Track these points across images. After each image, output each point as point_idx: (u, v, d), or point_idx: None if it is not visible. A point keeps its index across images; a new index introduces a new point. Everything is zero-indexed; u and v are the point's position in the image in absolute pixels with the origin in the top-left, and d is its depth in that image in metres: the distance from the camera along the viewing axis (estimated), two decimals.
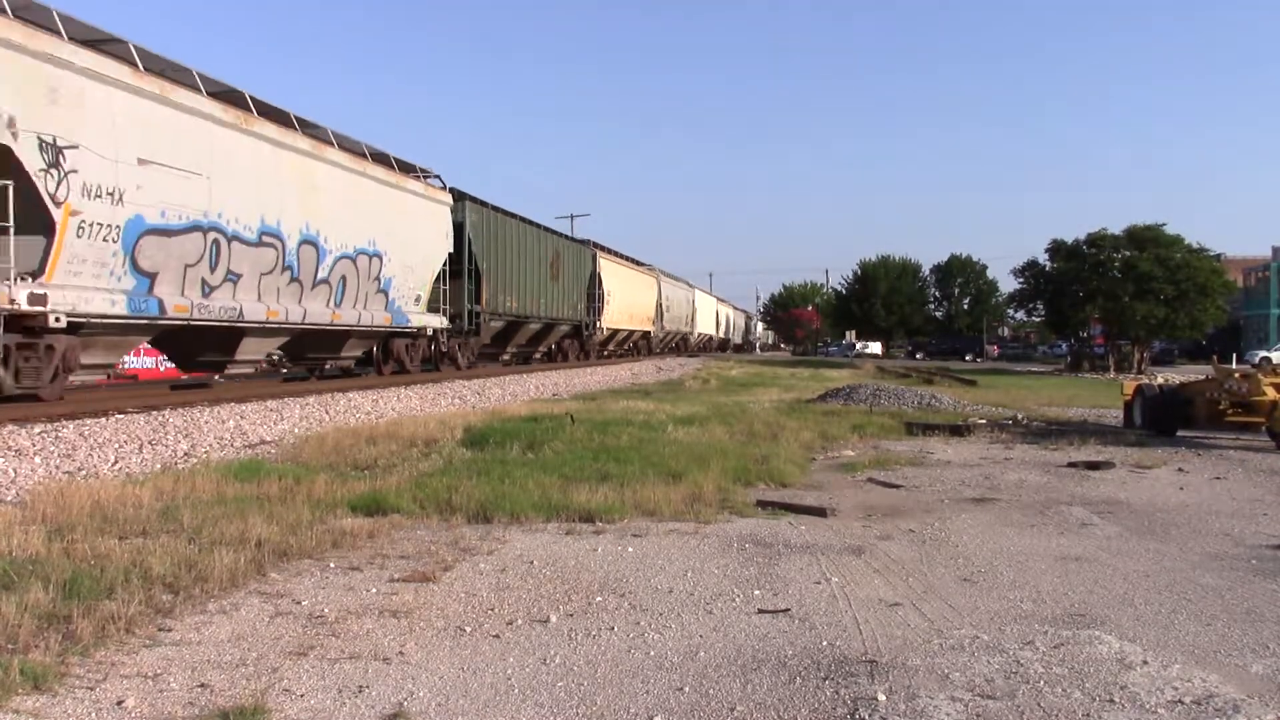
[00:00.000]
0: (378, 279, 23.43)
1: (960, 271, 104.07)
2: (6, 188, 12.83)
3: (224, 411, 15.36)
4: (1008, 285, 78.98)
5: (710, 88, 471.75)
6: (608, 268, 47.24)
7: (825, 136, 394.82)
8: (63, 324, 13.74)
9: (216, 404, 16.30)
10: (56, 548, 6.60)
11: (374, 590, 6.17)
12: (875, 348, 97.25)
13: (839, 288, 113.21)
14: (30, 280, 13.30)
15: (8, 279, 12.86)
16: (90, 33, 15.16)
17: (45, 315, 13.39)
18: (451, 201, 27.91)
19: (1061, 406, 23.46)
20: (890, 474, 11.69)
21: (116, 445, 11.78)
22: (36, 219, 13.28)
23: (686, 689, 4.58)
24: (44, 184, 13.24)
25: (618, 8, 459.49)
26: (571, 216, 66.75)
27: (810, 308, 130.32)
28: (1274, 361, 47.37)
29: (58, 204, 13.51)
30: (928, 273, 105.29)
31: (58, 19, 14.34)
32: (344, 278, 21.85)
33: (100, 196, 14.27)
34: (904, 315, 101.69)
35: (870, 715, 4.26)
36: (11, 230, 12.85)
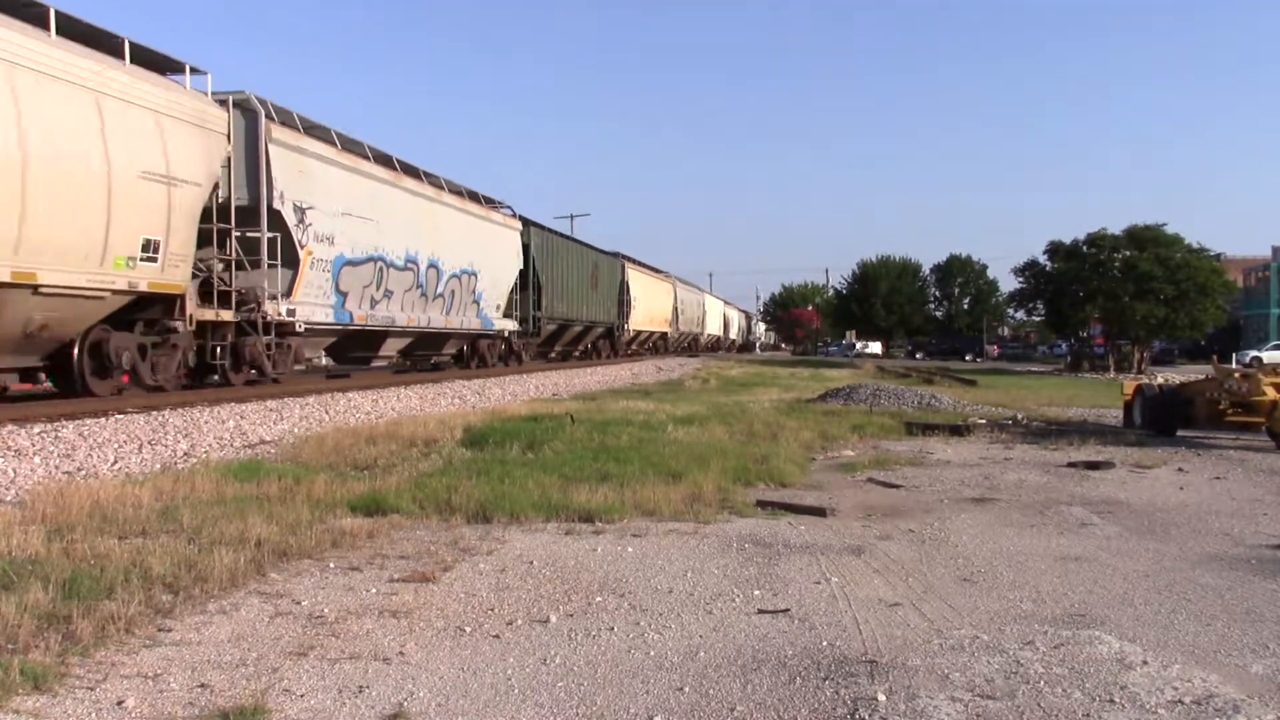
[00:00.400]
0: (473, 292, 30.21)
1: (960, 271, 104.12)
2: (277, 238, 19.28)
3: (224, 411, 15.37)
4: (1008, 285, 79.03)
5: (710, 87, 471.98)
6: (634, 277, 53.12)
7: (825, 136, 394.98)
8: (303, 330, 20.50)
9: (216, 404, 16.31)
10: (56, 548, 6.60)
11: (374, 590, 6.17)
12: (875, 348, 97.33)
13: (839, 287, 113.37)
14: (282, 299, 19.65)
15: (275, 298, 19.30)
16: (306, 122, 21.52)
17: (294, 324, 20.12)
18: (521, 227, 34.78)
19: (1061, 406, 23.46)
20: (890, 474, 11.69)
21: (116, 445, 11.78)
22: (288, 257, 19.76)
23: (686, 689, 4.58)
24: (296, 234, 19.84)
25: (617, 7, 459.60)
26: (571, 216, 66.84)
27: (810, 308, 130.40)
28: (1265, 360, 47.60)
29: (301, 246, 20.07)
30: (928, 273, 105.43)
31: (297, 119, 21.02)
32: (453, 292, 28.66)
33: (321, 240, 20.91)
34: (904, 315, 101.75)
35: (870, 715, 4.26)
36: (279, 265, 19.34)
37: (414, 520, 8.27)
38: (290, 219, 19.49)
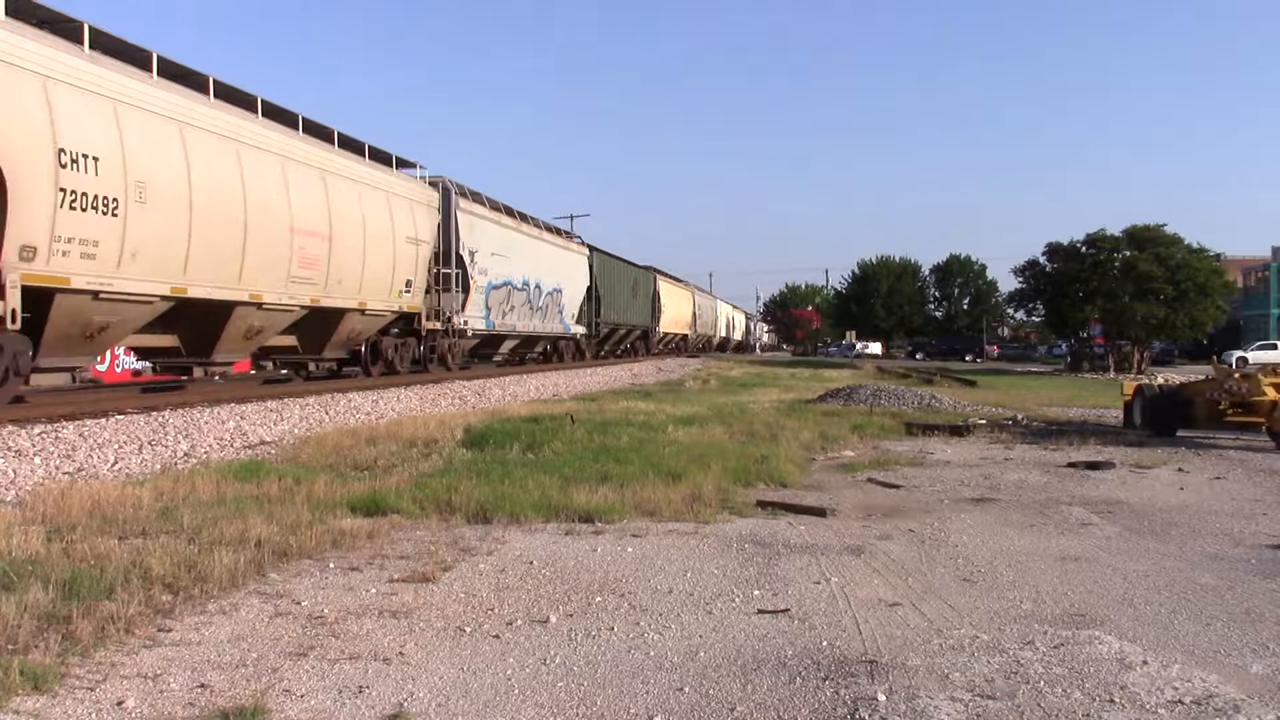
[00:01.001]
0: (559, 305, 39.06)
1: (960, 271, 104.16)
2: (460, 273, 27.89)
3: (224, 412, 15.37)
4: (1007, 285, 79.11)
5: (710, 87, 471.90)
6: (663, 287, 61.97)
7: (824, 136, 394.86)
8: (470, 333, 29.23)
9: (216, 404, 16.32)
10: (56, 548, 6.60)
11: (374, 590, 6.17)
12: (875, 348, 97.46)
13: (839, 288, 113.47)
14: (458, 314, 27.90)
15: (458, 313, 27.76)
16: (473, 192, 30.34)
17: (466, 330, 28.72)
18: (588, 253, 44.13)
19: (1061, 406, 23.47)
20: (890, 474, 11.69)
21: (116, 446, 11.78)
22: (463, 285, 28.09)
23: (686, 689, 4.58)
24: (469, 269, 28.56)
25: (617, 8, 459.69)
26: (571, 217, 67.09)
27: (810, 308, 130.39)
28: (1250, 360, 47.43)
29: (471, 279, 28.69)
30: (928, 273, 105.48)
31: (468, 191, 29.78)
32: (546, 306, 37.33)
33: (481, 272, 29.75)
34: (904, 315, 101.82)
35: (870, 715, 4.26)
36: (458, 291, 27.64)
37: (414, 521, 8.27)
38: (466, 260, 28.56)
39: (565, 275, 39.83)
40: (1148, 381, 23.52)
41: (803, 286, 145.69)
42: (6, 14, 13.14)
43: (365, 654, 4.98)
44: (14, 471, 9.88)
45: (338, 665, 4.81)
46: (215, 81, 17.65)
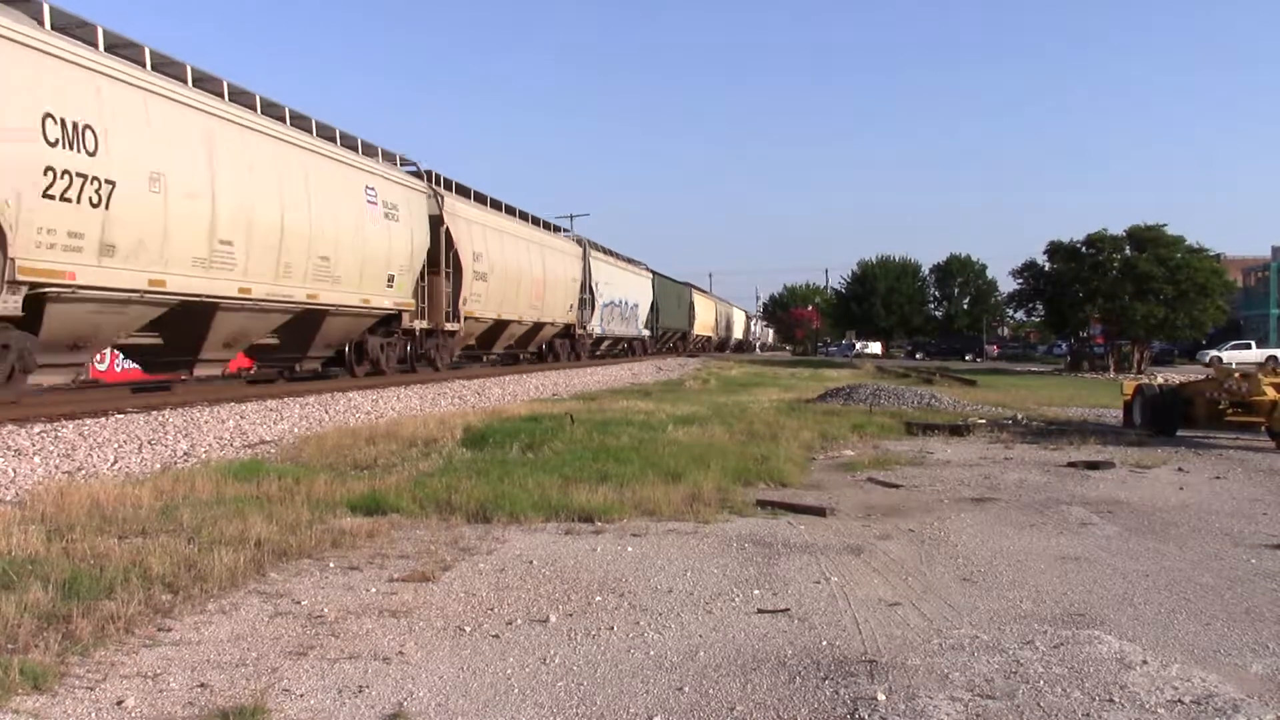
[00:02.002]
0: (637, 316, 54.61)
1: (960, 271, 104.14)
2: (590, 298, 42.65)
3: (224, 411, 15.37)
4: (1007, 285, 79.15)
5: (709, 87, 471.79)
6: (697, 298, 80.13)
7: (824, 136, 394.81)
8: (592, 336, 44.25)
9: (216, 404, 16.31)
10: (56, 547, 6.60)
11: (373, 590, 6.17)
12: (875, 348, 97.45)
13: (839, 288, 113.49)
14: (589, 323, 42.70)
15: (589, 324, 42.64)
16: (599, 245, 46.16)
17: (590, 334, 43.49)
18: (651, 276, 59.25)
19: (1061, 406, 23.46)
20: (890, 474, 11.69)
21: (116, 445, 11.78)
22: (590, 305, 42.67)
23: (686, 689, 4.58)
24: (595, 294, 43.39)
25: (617, 7, 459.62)
26: (571, 216, 67.26)
27: (810, 308, 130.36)
28: (1224, 360, 47.69)
29: (596, 299, 43.70)
30: (927, 273, 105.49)
31: (595, 243, 46.07)
32: (627, 316, 51.84)
33: (599, 295, 44.28)
34: (904, 315, 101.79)
35: (870, 715, 4.26)
36: (590, 306, 42.69)
37: (414, 520, 8.27)
38: (594, 288, 43.14)
39: (639, 294, 55.83)
40: (1148, 381, 23.51)
41: (802, 286, 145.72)
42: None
43: (365, 653, 4.98)
44: (14, 470, 9.88)
45: (337, 665, 4.81)
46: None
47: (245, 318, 17.81)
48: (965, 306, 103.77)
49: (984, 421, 17.78)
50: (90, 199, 13.48)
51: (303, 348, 21.06)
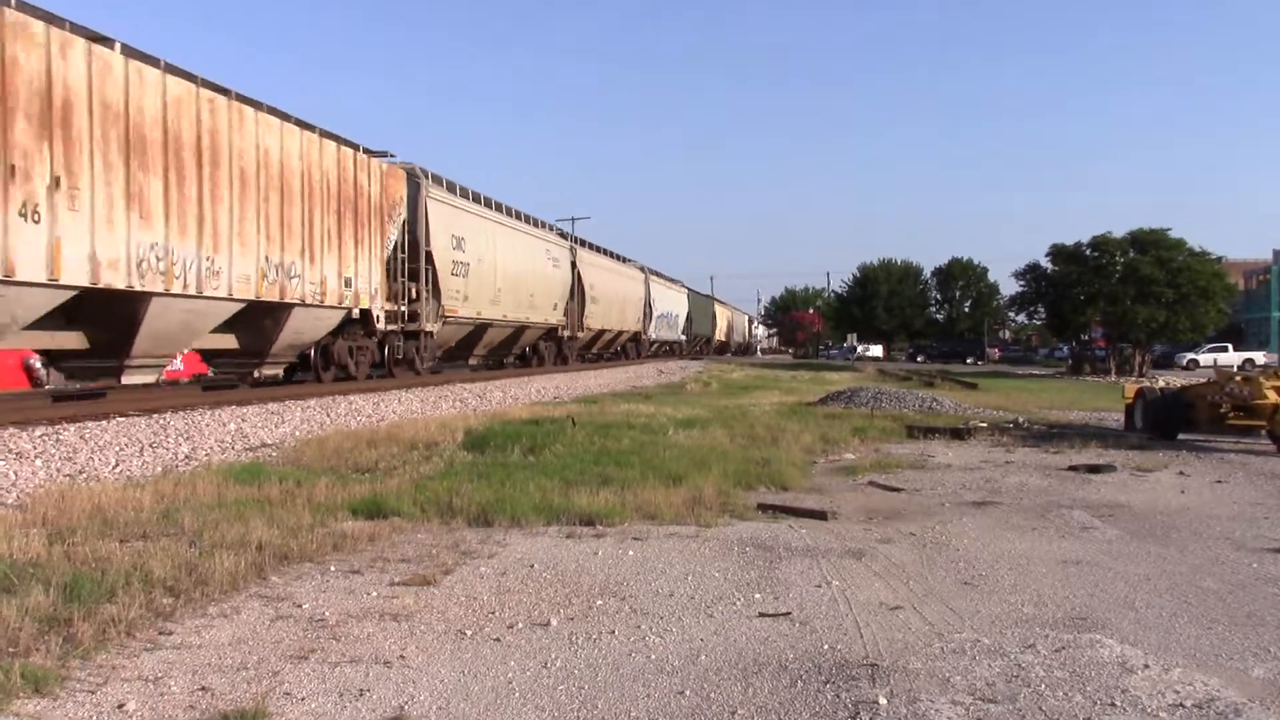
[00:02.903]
0: (676, 324, 67.67)
1: (961, 274, 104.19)
2: (649, 311, 57.21)
3: (225, 414, 15.37)
4: (1008, 288, 79.19)
5: (710, 88, 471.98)
6: (718, 308, 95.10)
7: (826, 138, 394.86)
8: (652, 339, 60.33)
9: (217, 407, 16.31)
10: (57, 551, 6.60)
11: (375, 593, 6.17)
12: (876, 351, 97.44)
13: (840, 291, 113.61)
14: (647, 330, 57.80)
15: (649, 331, 58.16)
16: (656, 270, 62.95)
17: (650, 338, 59.08)
18: (688, 291, 73.19)
19: (1062, 410, 23.47)
20: (891, 477, 11.69)
21: (117, 448, 11.78)
22: (649, 316, 57.72)
23: (687, 692, 4.58)
24: (651, 308, 57.91)
25: (617, 8, 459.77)
26: (573, 219, 67.79)
27: (811, 311, 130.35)
28: (1201, 363, 47.25)
29: (652, 311, 58.53)
30: (929, 276, 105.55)
31: (649, 269, 59.54)
32: (672, 324, 66.18)
33: (654, 309, 59.48)
34: (905, 318, 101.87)
35: (871, 719, 4.26)
36: (649, 317, 58.03)
37: (415, 523, 8.28)
38: (653, 306, 56.49)
39: (678, 307, 69.32)
40: (1149, 385, 23.51)
41: (804, 289, 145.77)
42: None
43: (366, 657, 4.98)
44: (15, 474, 9.88)
45: (339, 668, 4.81)
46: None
47: (498, 331, 32.03)
48: (967, 310, 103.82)
49: (985, 425, 17.78)
50: (462, 273, 27.81)
51: (510, 348, 35.43)
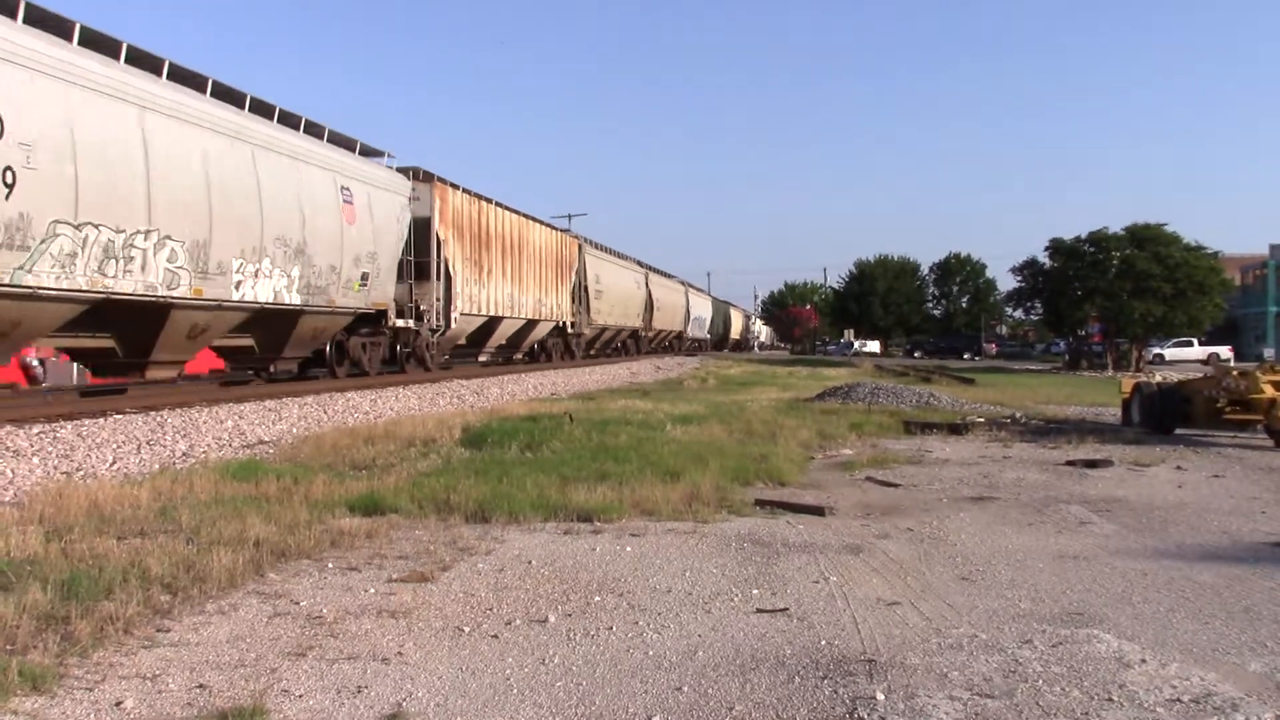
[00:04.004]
0: (705, 326, 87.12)
1: (959, 270, 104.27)
2: (688, 315, 77.25)
3: (222, 412, 15.36)
4: (1006, 284, 79.30)
5: (709, 86, 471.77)
6: (732, 311, 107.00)
7: (824, 135, 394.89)
8: (690, 338, 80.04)
9: (214, 404, 16.30)
10: (54, 548, 6.60)
11: (372, 590, 6.17)
12: (873, 346, 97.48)
13: (837, 287, 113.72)
14: (687, 332, 77.67)
15: (688, 332, 77.25)
16: (689, 282, 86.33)
17: (689, 337, 79.57)
18: (713, 297, 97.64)
19: (1059, 405, 23.46)
20: (888, 473, 11.69)
21: (114, 445, 11.77)
22: (687, 320, 77.81)
23: (685, 688, 4.58)
24: (690, 313, 78.52)
25: (617, 7, 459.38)
26: (570, 216, 67.86)
27: (809, 306, 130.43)
28: (1167, 358, 47.26)
29: (690, 316, 78.37)
30: (927, 271, 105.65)
31: (688, 282, 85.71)
32: (702, 325, 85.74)
33: (692, 314, 79.69)
34: (902, 314, 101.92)
35: (869, 714, 4.26)
36: (688, 321, 77.79)
37: (412, 520, 8.27)
38: (691, 311, 78.19)
39: (706, 310, 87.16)
40: (1146, 379, 23.51)
41: (801, 285, 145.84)
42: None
43: (364, 654, 4.98)
44: (12, 471, 9.88)
45: (336, 665, 4.81)
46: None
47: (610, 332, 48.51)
48: (964, 305, 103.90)
49: (982, 420, 17.78)
50: (595, 297, 46.48)
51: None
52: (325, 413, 16.45)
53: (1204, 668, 4.90)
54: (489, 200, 31.78)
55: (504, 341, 34.94)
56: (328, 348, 22.97)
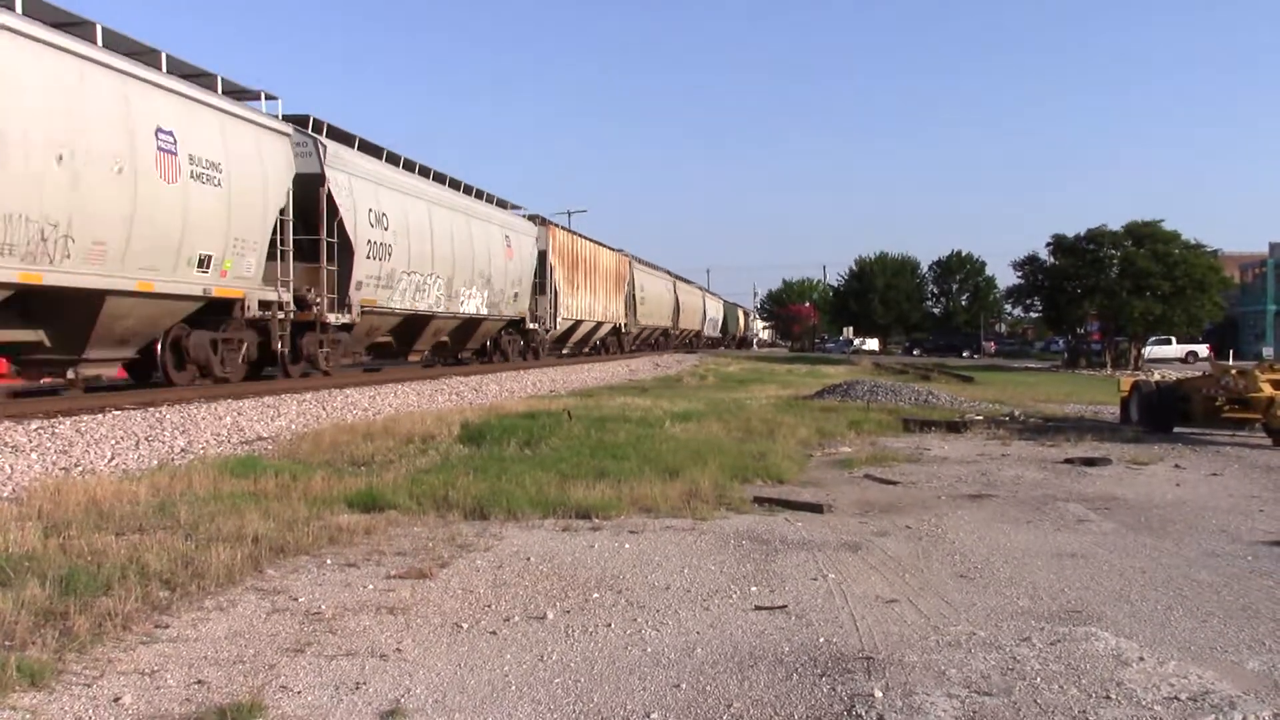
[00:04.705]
0: (719, 325, 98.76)
1: (959, 268, 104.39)
2: (704, 317, 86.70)
3: (221, 408, 15.36)
4: (1005, 280, 79.35)
5: (708, 83, 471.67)
6: (740, 313, 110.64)
7: (823, 133, 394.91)
8: (706, 335, 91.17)
9: (213, 400, 16.30)
10: (53, 544, 6.59)
11: (371, 587, 6.17)
12: (872, 344, 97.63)
13: (836, 284, 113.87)
14: (703, 329, 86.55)
15: (704, 330, 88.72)
16: (705, 288, 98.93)
17: (704, 334, 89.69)
18: (725, 302, 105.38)
19: (1058, 403, 23.47)
20: (887, 470, 11.70)
21: (113, 441, 11.77)
22: (704, 319, 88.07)
23: (683, 685, 4.59)
24: (706, 315, 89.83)
25: (616, 5, 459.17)
26: (569, 213, 68.09)
27: (808, 304, 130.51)
28: (1145, 356, 47.28)
29: (707, 317, 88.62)
30: (927, 269, 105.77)
31: (707, 289, 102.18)
32: (716, 323, 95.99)
33: (708, 315, 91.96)
34: (901, 312, 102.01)
35: (867, 712, 4.26)
36: (704, 321, 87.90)
37: (411, 517, 8.27)
38: (708, 313, 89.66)
39: (719, 311, 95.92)
40: (1144, 378, 23.52)
41: (800, 282, 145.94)
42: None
43: (362, 650, 4.98)
44: (10, 467, 9.87)
45: (335, 661, 4.81)
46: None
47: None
48: (964, 303, 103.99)
49: (981, 418, 17.80)
50: (640, 303, 58.64)
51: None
52: (324, 409, 16.45)
53: (1202, 666, 4.90)
54: (577, 233, 45.43)
55: (581, 339, 46.49)
56: (487, 343, 33.21)
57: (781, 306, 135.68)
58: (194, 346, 18.19)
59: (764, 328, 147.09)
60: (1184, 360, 61.01)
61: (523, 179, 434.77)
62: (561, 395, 22.33)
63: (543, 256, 38.12)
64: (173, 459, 11.10)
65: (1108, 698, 4.42)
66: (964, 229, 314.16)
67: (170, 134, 16.17)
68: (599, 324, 47.76)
